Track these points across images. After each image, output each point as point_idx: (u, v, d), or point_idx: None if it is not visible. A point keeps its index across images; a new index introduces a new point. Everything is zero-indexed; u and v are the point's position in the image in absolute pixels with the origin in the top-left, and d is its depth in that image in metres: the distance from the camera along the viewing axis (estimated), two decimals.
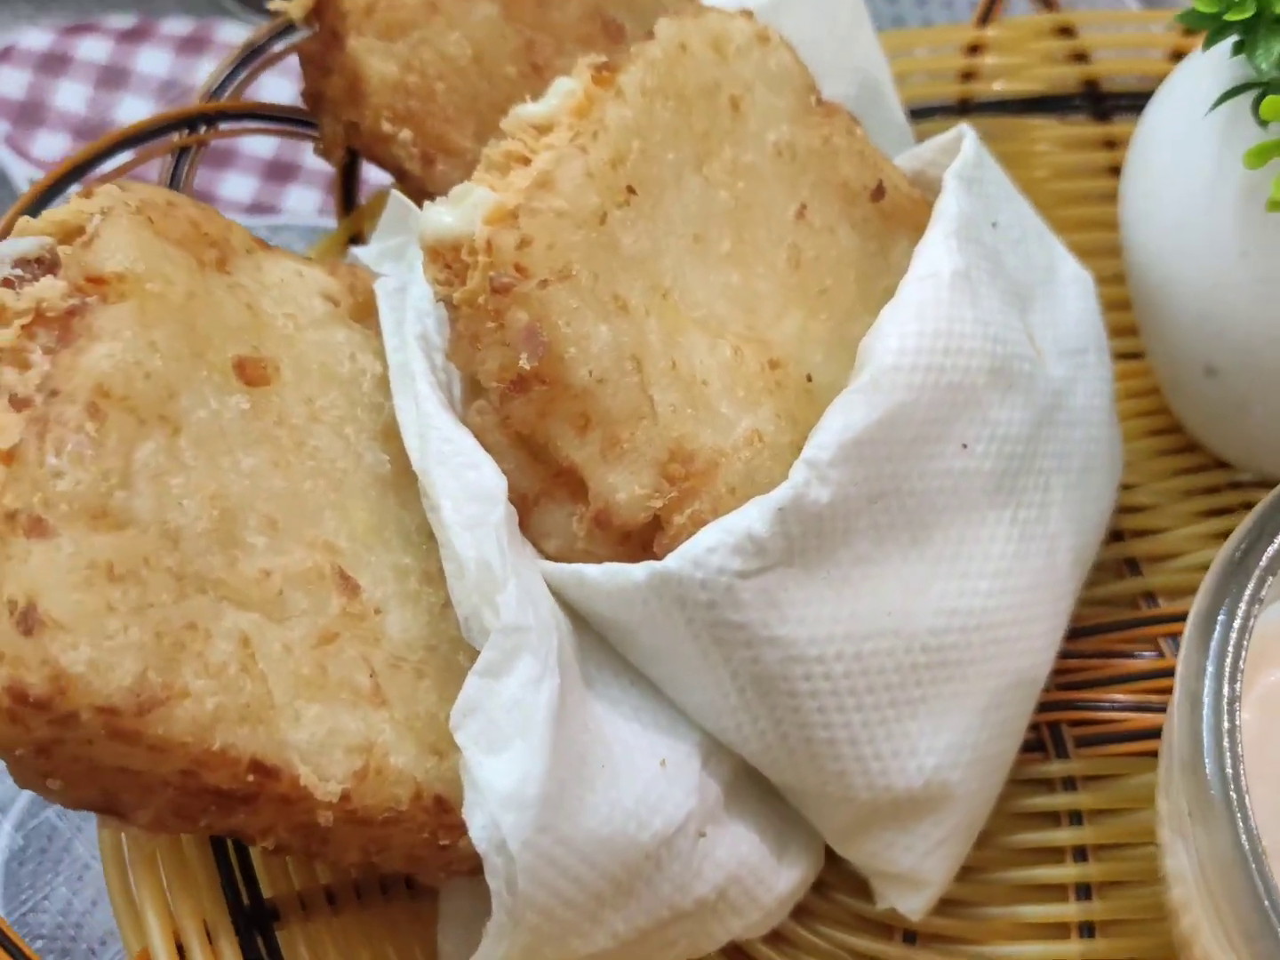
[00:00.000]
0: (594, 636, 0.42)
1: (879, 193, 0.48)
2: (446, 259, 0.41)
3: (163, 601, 0.35)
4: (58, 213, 0.40)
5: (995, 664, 0.44)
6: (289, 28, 0.52)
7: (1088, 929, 0.47)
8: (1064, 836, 0.48)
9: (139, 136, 0.47)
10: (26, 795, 0.54)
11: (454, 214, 0.41)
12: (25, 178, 0.74)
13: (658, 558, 0.41)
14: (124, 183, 0.41)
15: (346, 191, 0.54)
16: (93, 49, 0.79)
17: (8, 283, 0.38)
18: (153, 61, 0.79)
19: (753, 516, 0.39)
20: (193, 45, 0.79)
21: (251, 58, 0.51)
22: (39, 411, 0.35)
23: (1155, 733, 0.49)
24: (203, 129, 0.50)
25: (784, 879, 0.44)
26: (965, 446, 0.43)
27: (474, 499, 0.39)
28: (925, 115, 0.62)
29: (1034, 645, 0.45)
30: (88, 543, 0.34)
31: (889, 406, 0.41)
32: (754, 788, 0.44)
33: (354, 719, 0.37)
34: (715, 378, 0.42)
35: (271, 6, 0.50)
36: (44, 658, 0.32)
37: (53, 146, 0.75)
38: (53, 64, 0.78)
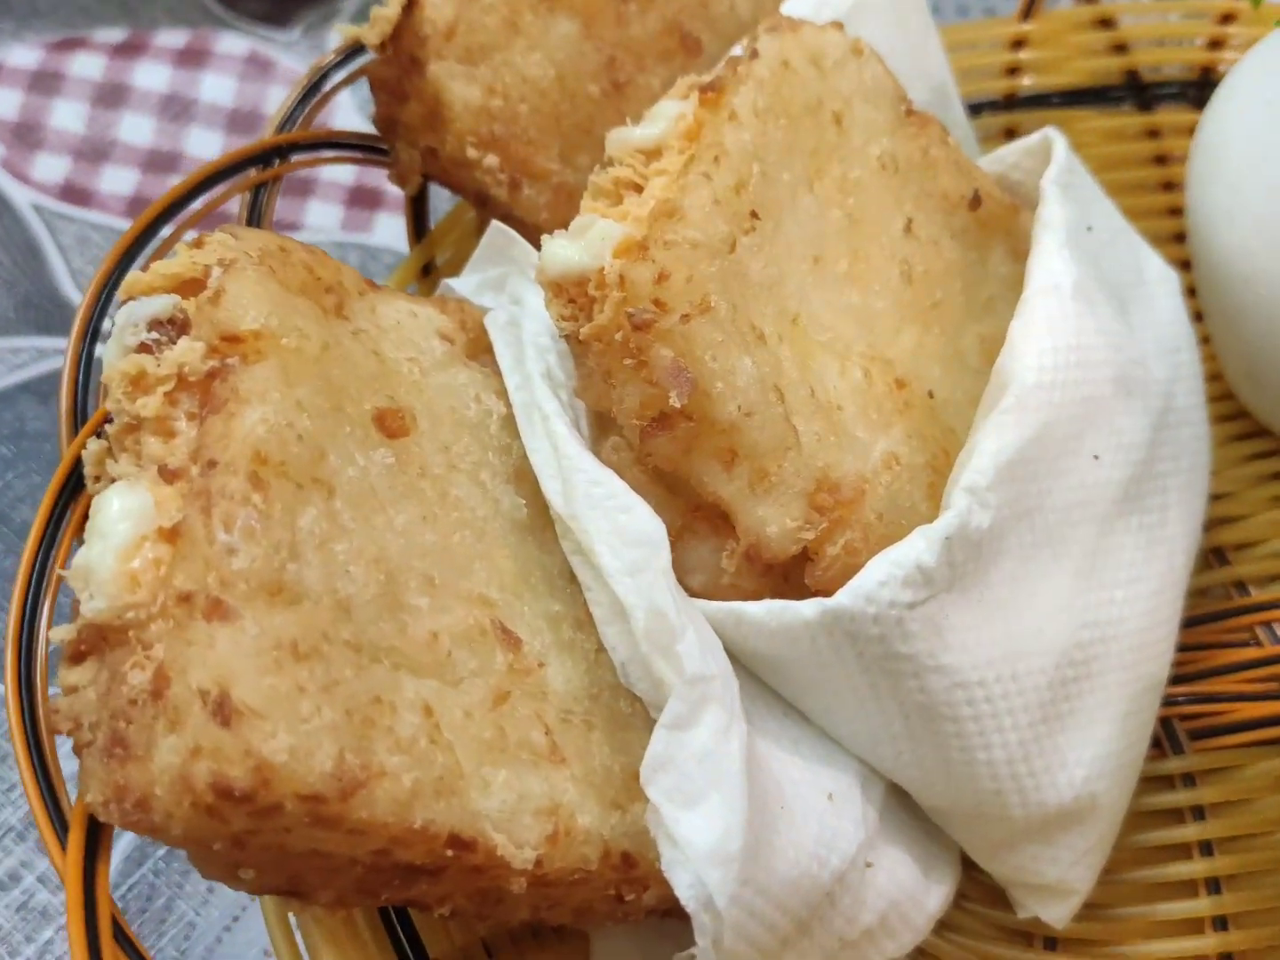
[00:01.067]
0: (745, 671, 0.41)
1: (976, 201, 0.48)
2: (570, 294, 0.40)
3: (346, 677, 0.33)
4: (171, 265, 0.38)
5: (1131, 671, 0.44)
6: (355, 50, 0.50)
7: (1221, 922, 0.47)
8: (1189, 832, 0.49)
9: (218, 175, 0.45)
10: (118, 854, 0.52)
11: (578, 247, 0.40)
12: (29, 203, 0.71)
13: (810, 589, 0.40)
14: (236, 229, 0.39)
15: (418, 218, 0.53)
16: (86, 65, 0.75)
17: (145, 348, 0.36)
18: (151, 76, 0.75)
19: (920, 548, 0.38)
20: (191, 58, 0.76)
21: (320, 84, 0.49)
22: (199, 485, 0.33)
23: (1265, 722, 0.50)
24: (276, 162, 0.48)
25: (933, 897, 0.44)
26: (1097, 458, 0.43)
27: (632, 544, 0.38)
28: (973, 112, 0.62)
29: (1160, 648, 0.46)
30: (269, 622, 0.32)
31: (1036, 425, 0.41)
32: (902, 810, 0.44)
33: (537, 781, 0.36)
34: (849, 401, 0.42)
35: (343, 31, 0.48)
36: (246, 749, 0.30)
37: (55, 169, 0.72)
38: (45, 82, 0.75)
